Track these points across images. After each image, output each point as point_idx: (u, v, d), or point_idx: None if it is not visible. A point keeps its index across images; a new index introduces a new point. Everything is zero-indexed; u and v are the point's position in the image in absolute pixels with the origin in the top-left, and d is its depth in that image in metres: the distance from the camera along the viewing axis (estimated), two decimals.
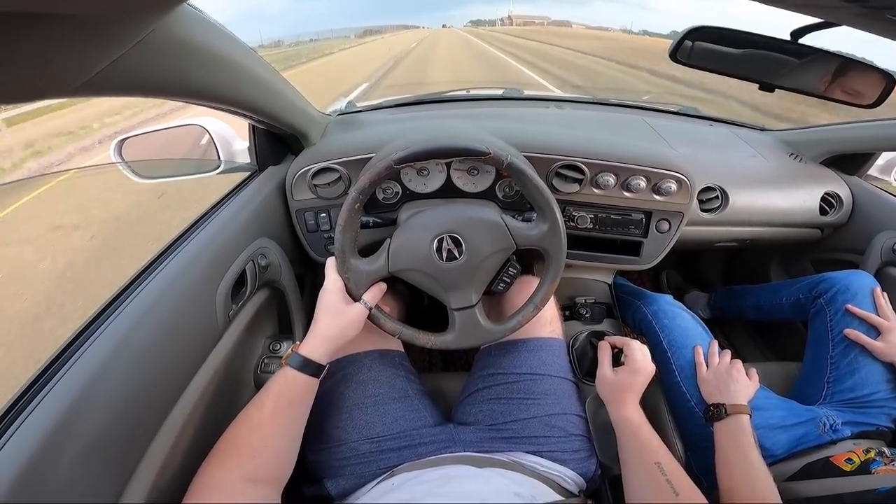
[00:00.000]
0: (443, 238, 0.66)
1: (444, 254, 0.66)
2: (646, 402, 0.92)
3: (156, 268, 0.62)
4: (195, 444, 0.60)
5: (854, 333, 0.85)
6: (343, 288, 0.67)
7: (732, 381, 0.80)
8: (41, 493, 0.39)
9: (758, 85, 0.65)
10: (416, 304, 1.29)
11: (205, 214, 0.77)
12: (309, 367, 0.61)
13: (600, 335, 1.00)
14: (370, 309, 0.67)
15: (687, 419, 0.86)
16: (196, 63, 0.51)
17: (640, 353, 0.74)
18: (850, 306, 0.88)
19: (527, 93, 1.37)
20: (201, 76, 0.53)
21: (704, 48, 0.67)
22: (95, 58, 0.36)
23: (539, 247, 0.69)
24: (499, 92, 1.36)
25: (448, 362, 1.52)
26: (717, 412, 0.76)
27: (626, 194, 0.91)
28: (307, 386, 0.61)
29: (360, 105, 1.26)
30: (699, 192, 1.05)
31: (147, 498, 0.50)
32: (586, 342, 0.99)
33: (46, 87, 0.35)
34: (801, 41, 0.56)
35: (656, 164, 0.88)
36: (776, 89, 0.65)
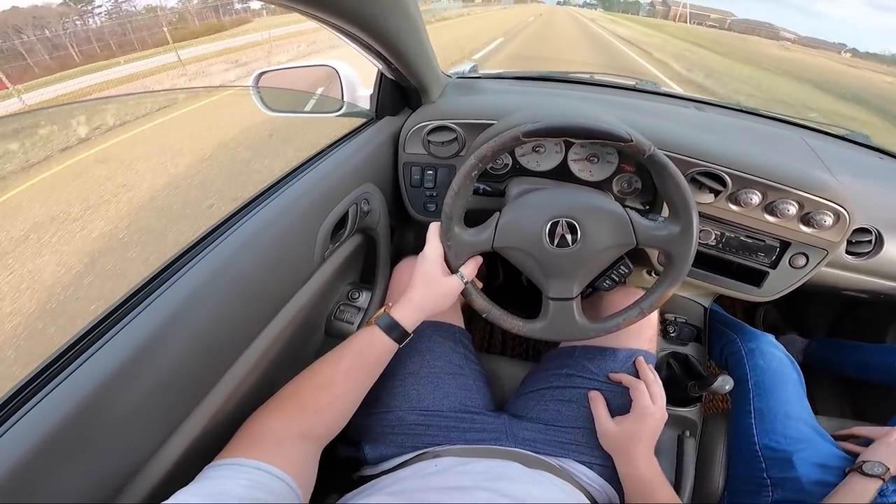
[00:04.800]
0: (559, 222, 0.61)
1: (557, 239, 0.62)
2: (704, 439, 0.89)
3: (267, 197, 0.63)
4: (262, 380, 0.60)
5: None
6: (443, 257, 0.64)
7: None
8: (113, 410, 0.39)
9: None
10: (489, 281, 1.27)
11: (320, 152, 0.79)
12: (396, 331, 0.60)
13: (682, 358, 0.94)
14: (466, 283, 0.65)
15: (744, 462, 0.83)
16: None
17: (646, 398, 0.67)
18: None
19: (664, 89, 1.24)
20: (375, 6, 0.53)
21: None
22: None
23: (663, 249, 0.63)
24: (630, 82, 1.24)
25: (507, 347, 1.49)
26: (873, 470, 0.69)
27: (768, 217, 0.79)
28: (389, 350, 0.60)
29: (480, 72, 1.23)
30: (851, 233, 0.90)
31: (202, 431, 0.50)
32: (664, 361, 0.93)
33: None
34: None
35: (815, 190, 0.76)
36: None
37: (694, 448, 0.84)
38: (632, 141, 0.58)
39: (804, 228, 0.79)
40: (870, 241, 0.90)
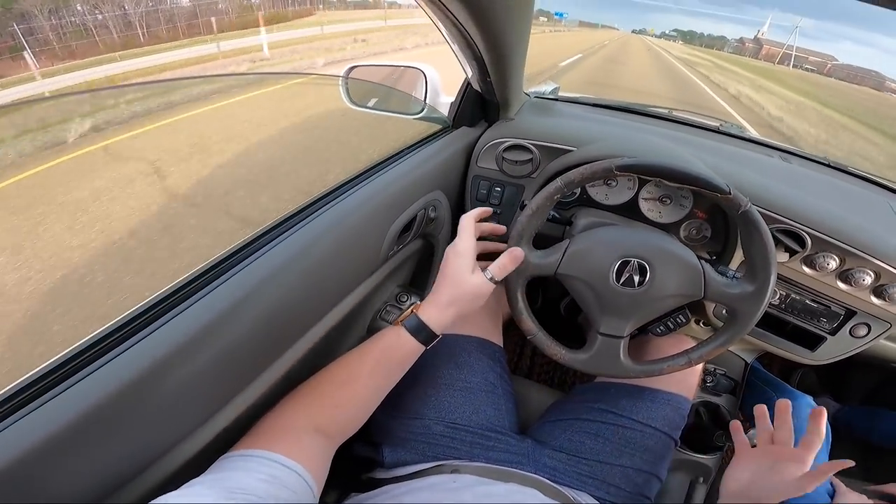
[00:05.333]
0: (630, 262, 0.61)
1: (624, 277, 0.62)
2: (714, 485, 0.86)
3: (345, 191, 0.65)
4: (300, 370, 0.59)
5: None
6: (474, 253, 0.59)
7: None
8: (166, 385, 0.39)
9: None
10: (532, 304, 1.27)
11: (396, 154, 0.81)
12: (423, 332, 0.56)
13: (713, 407, 0.92)
14: (497, 283, 0.60)
15: None
16: None
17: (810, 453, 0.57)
18: None
19: (748, 134, 1.19)
20: (499, 8, 0.53)
21: None
22: None
23: (731, 307, 0.61)
24: (714, 123, 1.20)
25: (533, 370, 1.48)
26: None
27: (840, 285, 0.76)
28: (415, 352, 0.57)
29: (559, 94, 1.23)
30: None
31: (244, 414, 0.50)
32: (694, 409, 0.92)
33: None
34: None
35: (894, 261, 0.72)
36: None
37: (702, 494, 0.85)
38: (730, 194, 0.57)
39: (875, 300, 0.75)
40: None
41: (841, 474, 0.86)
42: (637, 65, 19.07)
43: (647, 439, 0.71)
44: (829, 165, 1.09)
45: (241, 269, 0.47)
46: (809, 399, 0.97)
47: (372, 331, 0.83)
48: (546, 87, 1.16)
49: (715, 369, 0.99)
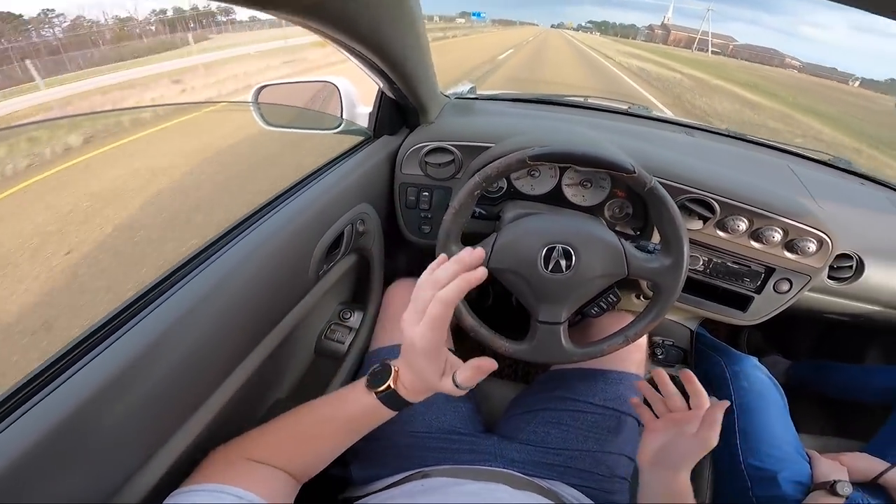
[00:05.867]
0: (555, 248, 0.63)
1: (552, 264, 0.63)
2: None
3: (264, 215, 0.62)
4: (247, 400, 0.58)
5: None
6: (439, 353, 0.48)
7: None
8: (99, 424, 0.38)
9: None
10: (481, 301, 1.28)
11: (317, 171, 0.79)
12: (400, 404, 0.51)
13: (671, 379, 0.95)
14: (461, 389, 0.50)
15: (729, 479, 0.86)
16: (385, 5, 0.50)
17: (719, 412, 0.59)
18: None
19: (655, 113, 1.27)
20: (384, 21, 0.53)
21: None
22: None
23: (653, 280, 0.64)
24: (623, 106, 1.28)
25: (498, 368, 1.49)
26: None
27: (754, 244, 0.81)
28: (382, 419, 0.53)
29: (478, 93, 1.25)
30: (833, 258, 0.92)
31: (187, 449, 0.48)
32: (651, 381, 0.94)
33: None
34: None
35: (800, 217, 0.78)
36: None
37: None
38: (635, 173, 0.60)
39: (788, 255, 0.81)
40: (851, 267, 0.92)
41: (807, 431, 0.92)
42: (559, 59, 19.91)
43: (608, 420, 0.72)
44: (728, 136, 1.19)
45: (157, 306, 0.45)
46: (754, 360, 1.02)
47: (320, 352, 0.80)
48: (463, 88, 1.18)
49: (663, 341, 1.04)
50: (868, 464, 0.81)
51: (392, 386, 0.49)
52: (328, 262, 0.73)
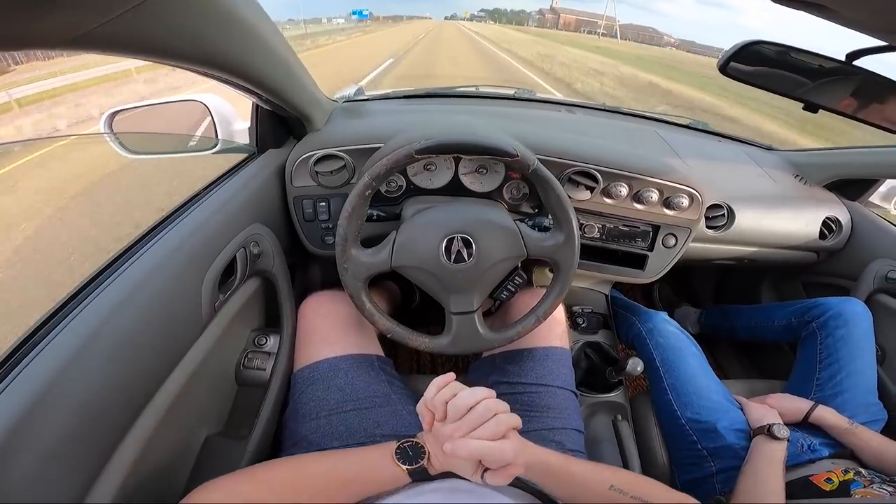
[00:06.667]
0: (454, 238, 0.63)
1: (453, 255, 0.63)
2: (637, 420, 0.94)
3: (137, 251, 0.57)
4: (170, 443, 0.56)
5: None
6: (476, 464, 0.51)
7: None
8: None
9: (802, 105, 0.64)
10: (407, 302, 1.26)
11: (196, 195, 0.73)
12: (420, 476, 0.53)
13: (595, 345, 1.01)
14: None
15: (676, 436, 0.87)
16: (212, 24, 0.47)
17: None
18: None
19: (538, 95, 1.34)
20: (216, 40, 0.49)
21: (756, 63, 0.65)
22: (103, 6, 0.32)
23: (551, 258, 0.67)
24: (510, 92, 1.33)
25: (437, 364, 1.49)
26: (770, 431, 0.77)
27: (637, 206, 0.89)
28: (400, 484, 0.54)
29: (367, 94, 1.22)
30: (707, 209, 1.04)
31: (114, 500, 0.46)
32: (581, 351, 1.00)
33: (43, 36, 0.31)
34: (855, 63, 0.54)
35: (670, 177, 0.87)
36: (820, 110, 0.63)
37: (629, 430, 0.88)
38: (518, 156, 0.61)
39: (667, 212, 0.89)
40: (724, 215, 1.04)
41: (733, 376, 0.97)
42: (454, 51, 20.27)
43: (544, 398, 0.73)
44: (605, 110, 1.29)
45: (19, 372, 0.41)
46: (663, 315, 1.08)
47: (242, 382, 0.76)
48: (349, 91, 1.15)
49: (582, 310, 1.08)
50: (792, 403, 0.86)
51: (425, 465, 0.52)
52: (224, 292, 0.68)
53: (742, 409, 0.87)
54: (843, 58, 0.55)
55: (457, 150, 0.62)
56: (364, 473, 0.53)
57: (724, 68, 0.67)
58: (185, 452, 0.52)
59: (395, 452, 0.53)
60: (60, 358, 0.43)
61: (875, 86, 0.60)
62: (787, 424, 0.80)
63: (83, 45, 0.34)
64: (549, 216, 0.85)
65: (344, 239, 0.63)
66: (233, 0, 0.48)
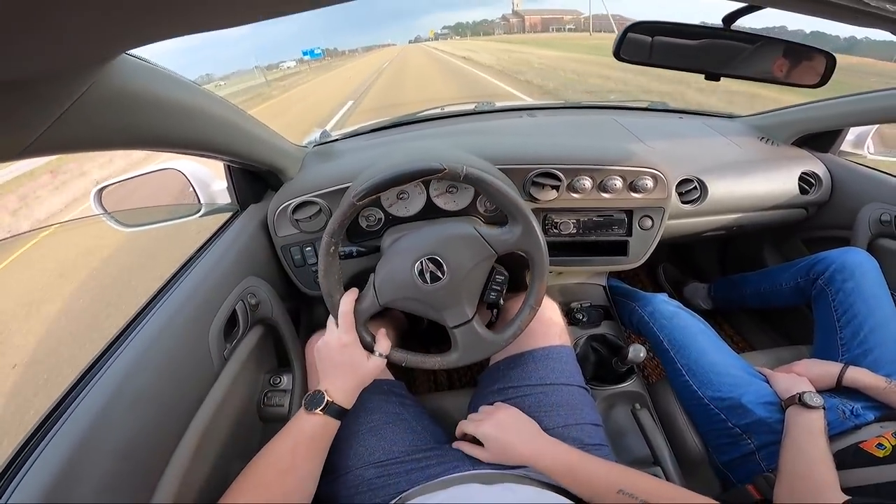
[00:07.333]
0: (422, 261, 0.66)
1: (427, 276, 0.66)
2: (659, 406, 0.93)
3: (147, 313, 0.62)
4: (205, 479, 0.62)
5: None
6: (359, 342, 0.68)
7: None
8: None
9: (703, 75, 0.65)
10: (415, 326, 1.29)
11: (191, 258, 0.77)
12: (339, 413, 0.65)
13: (600, 337, 1.02)
14: (386, 357, 0.69)
15: (703, 417, 0.84)
16: (144, 112, 0.49)
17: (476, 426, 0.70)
18: None
19: (498, 104, 1.39)
20: (153, 124, 0.52)
21: (646, 43, 0.66)
22: (36, 120, 0.35)
23: (518, 250, 0.68)
24: (471, 107, 1.38)
25: (454, 380, 1.51)
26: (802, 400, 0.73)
27: (605, 195, 0.91)
28: (335, 427, 0.65)
29: (335, 134, 1.27)
30: (678, 185, 1.06)
31: None
32: (587, 346, 1.01)
33: None
34: (733, 27, 0.56)
35: (630, 162, 0.90)
36: (722, 78, 0.64)
37: (651, 417, 0.86)
38: (445, 169, 0.63)
39: (635, 195, 0.92)
40: (696, 188, 1.07)
41: (760, 347, 0.93)
42: (422, 74, 20.35)
43: (552, 397, 0.74)
44: (564, 107, 1.34)
45: (59, 427, 0.46)
46: (663, 296, 1.07)
47: (265, 419, 0.81)
48: (314, 135, 1.20)
49: (581, 305, 1.09)
50: (822, 368, 0.81)
51: (331, 400, 0.63)
52: (230, 342, 0.72)
53: (768, 382, 0.83)
54: (720, 24, 0.57)
55: (391, 184, 0.64)
56: (299, 436, 0.62)
57: (618, 55, 0.68)
58: (223, 483, 0.57)
59: (304, 407, 0.64)
60: (94, 410, 0.48)
61: (769, 47, 0.62)
62: (822, 391, 0.75)
63: (34, 152, 0.37)
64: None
65: (329, 294, 0.66)
66: (156, 86, 0.50)
